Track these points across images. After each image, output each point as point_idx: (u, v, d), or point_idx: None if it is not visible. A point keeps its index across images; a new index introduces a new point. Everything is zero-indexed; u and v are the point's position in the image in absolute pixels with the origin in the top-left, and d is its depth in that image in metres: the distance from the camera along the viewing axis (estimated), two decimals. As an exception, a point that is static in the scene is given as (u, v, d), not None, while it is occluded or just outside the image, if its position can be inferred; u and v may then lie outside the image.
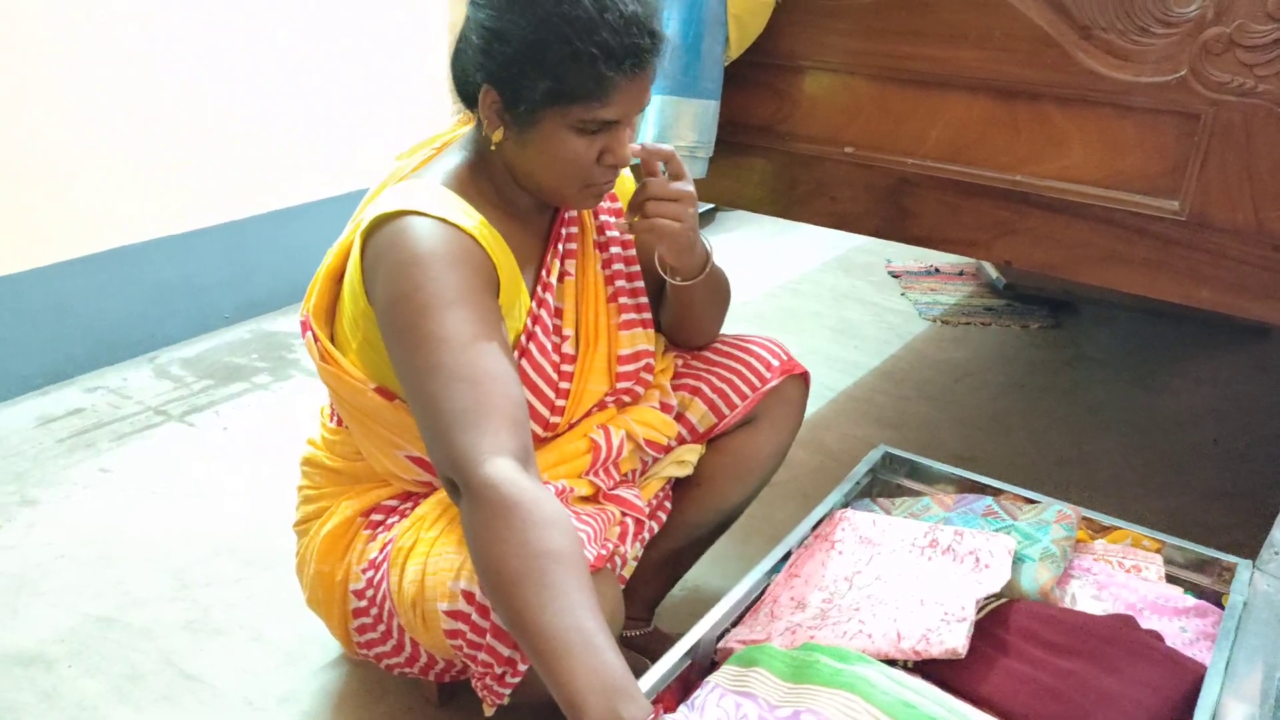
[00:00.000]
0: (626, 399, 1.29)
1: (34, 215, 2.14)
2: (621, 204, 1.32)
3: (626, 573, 1.31)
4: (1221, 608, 1.24)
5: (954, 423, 2.32)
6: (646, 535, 1.31)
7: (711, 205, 3.73)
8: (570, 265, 1.23)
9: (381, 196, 1.13)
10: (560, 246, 1.22)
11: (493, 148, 1.12)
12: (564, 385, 1.21)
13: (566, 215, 1.24)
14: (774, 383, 1.36)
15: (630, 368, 1.26)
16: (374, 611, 1.18)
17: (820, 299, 3.10)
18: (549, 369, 1.19)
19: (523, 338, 1.17)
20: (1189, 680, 1.09)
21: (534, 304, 1.18)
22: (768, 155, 1.68)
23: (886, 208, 1.59)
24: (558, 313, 1.22)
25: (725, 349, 1.39)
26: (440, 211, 1.07)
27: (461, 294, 1.03)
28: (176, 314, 2.48)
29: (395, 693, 1.40)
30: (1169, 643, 1.16)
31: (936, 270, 3.38)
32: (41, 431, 2.06)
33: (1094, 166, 1.39)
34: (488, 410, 0.96)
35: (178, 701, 1.38)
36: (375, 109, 2.74)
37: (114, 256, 2.30)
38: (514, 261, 1.13)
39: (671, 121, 1.56)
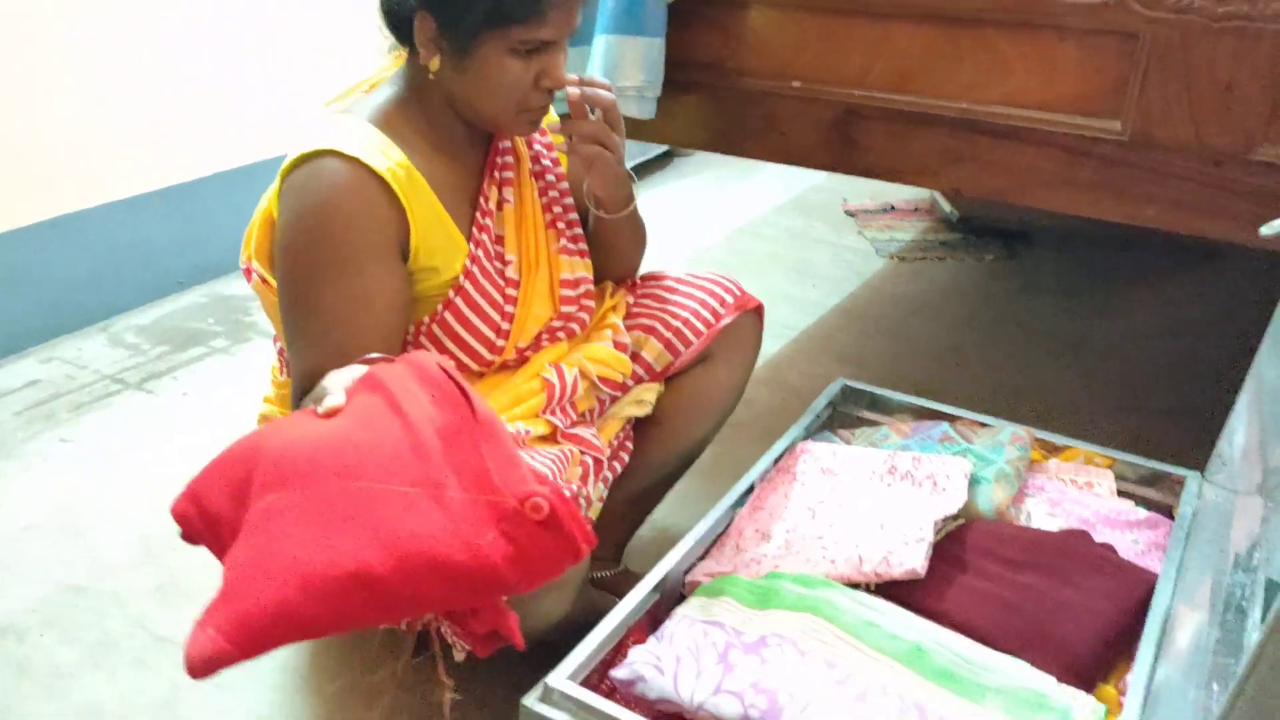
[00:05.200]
0: (575, 326, 1.29)
1: (-26, 186, 2.10)
2: (552, 137, 1.33)
3: (593, 514, 1.32)
4: (1172, 520, 1.28)
5: (912, 356, 2.35)
6: (609, 475, 1.32)
7: (666, 148, 3.71)
8: (508, 193, 1.24)
9: (306, 131, 1.13)
10: (497, 175, 1.23)
11: (430, 76, 1.13)
12: (509, 309, 1.21)
13: (501, 145, 1.25)
14: (728, 318, 1.37)
15: (572, 293, 1.27)
16: None
17: (778, 240, 3.11)
18: (494, 293, 1.20)
19: (466, 262, 1.17)
20: (1142, 589, 1.13)
21: (475, 230, 1.19)
22: (716, 93, 1.67)
23: (835, 140, 1.59)
24: (499, 240, 1.23)
25: (678, 286, 1.39)
26: (355, 150, 1.07)
27: (347, 261, 1.07)
28: (128, 281, 2.44)
29: (371, 643, 1.41)
30: (1122, 554, 1.19)
31: (892, 208, 3.40)
32: (-3, 406, 2.03)
33: (1036, 90, 1.40)
34: (327, 369, 1.05)
35: (152, 665, 1.39)
36: (323, 63, 2.70)
37: (60, 224, 2.26)
38: (435, 201, 1.13)
39: (617, 61, 1.55)
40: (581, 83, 1.17)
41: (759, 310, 1.43)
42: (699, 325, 1.36)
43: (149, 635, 1.44)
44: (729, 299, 1.38)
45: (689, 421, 1.39)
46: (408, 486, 0.80)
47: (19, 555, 1.60)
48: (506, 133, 1.20)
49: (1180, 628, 1.07)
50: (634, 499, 1.43)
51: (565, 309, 1.26)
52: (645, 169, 3.67)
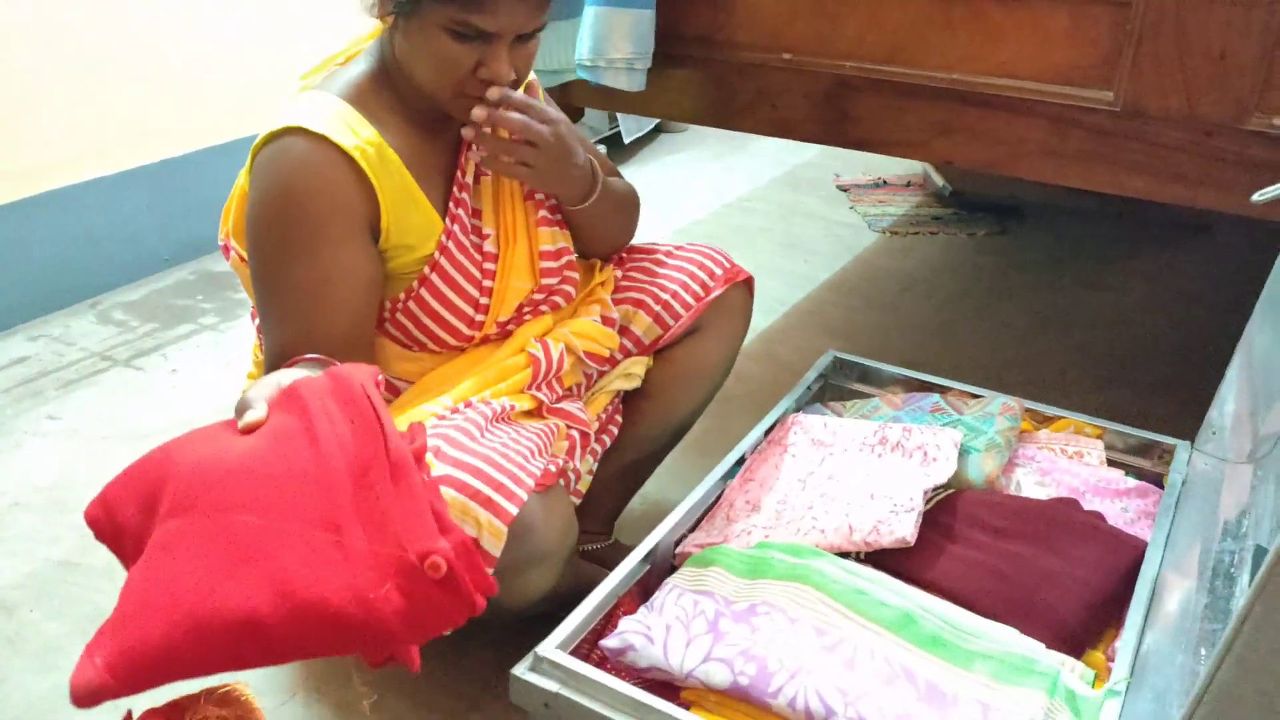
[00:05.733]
0: (558, 299, 1.28)
1: (-42, 162, 2.08)
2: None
3: (582, 487, 1.32)
4: (1161, 488, 1.28)
5: (903, 331, 2.35)
6: (597, 448, 1.32)
7: (656, 122, 3.69)
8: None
9: (277, 107, 1.12)
10: (475, 147, 1.20)
11: (381, 26, 1.11)
12: (487, 284, 1.20)
13: None
14: (718, 291, 1.36)
15: (553, 264, 1.25)
16: None
17: (770, 215, 3.10)
18: (472, 268, 1.19)
19: (442, 238, 1.16)
20: (1130, 556, 1.13)
21: (452, 205, 1.18)
22: (706, 65, 1.66)
23: (827, 113, 1.58)
24: (476, 213, 1.21)
25: (666, 260, 1.38)
26: (321, 127, 1.06)
27: (312, 242, 1.07)
28: (114, 258, 2.43)
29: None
30: (1111, 522, 1.20)
31: (884, 182, 3.39)
32: (-15, 383, 2.03)
33: (1029, 61, 1.40)
34: (292, 346, 1.08)
35: (143, 639, 1.38)
36: (308, 38, 2.67)
37: (47, 200, 2.24)
38: (407, 178, 1.12)
39: (606, 33, 1.53)
40: (500, 101, 1.10)
41: (749, 282, 1.42)
42: (688, 298, 1.35)
43: (140, 610, 1.43)
44: (718, 271, 1.37)
45: (679, 394, 1.39)
46: (310, 527, 0.79)
47: (8, 532, 1.59)
48: (449, 113, 1.14)
49: (1169, 595, 1.08)
50: (624, 472, 1.43)
51: (546, 281, 1.25)
52: (636, 144, 3.65)
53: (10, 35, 2.10)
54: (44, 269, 2.28)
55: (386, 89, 1.15)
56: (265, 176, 1.08)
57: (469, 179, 1.20)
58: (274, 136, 1.08)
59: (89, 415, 1.92)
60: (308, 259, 1.08)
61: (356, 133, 1.09)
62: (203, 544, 0.77)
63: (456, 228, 1.18)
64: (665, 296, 1.35)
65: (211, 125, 2.56)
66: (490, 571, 1.01)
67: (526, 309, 1.25)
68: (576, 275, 1.30)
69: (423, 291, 1.17)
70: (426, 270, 1.16)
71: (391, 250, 1.15)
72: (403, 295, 1.18)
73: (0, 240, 2.17)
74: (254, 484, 0.81)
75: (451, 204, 1.18)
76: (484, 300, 1.20)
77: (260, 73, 2.62)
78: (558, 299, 1.28)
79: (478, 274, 1.20)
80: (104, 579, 1.49)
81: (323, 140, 1.06)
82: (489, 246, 1.21)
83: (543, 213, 1.26)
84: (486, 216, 1.21)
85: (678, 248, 1.40)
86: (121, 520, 0.83)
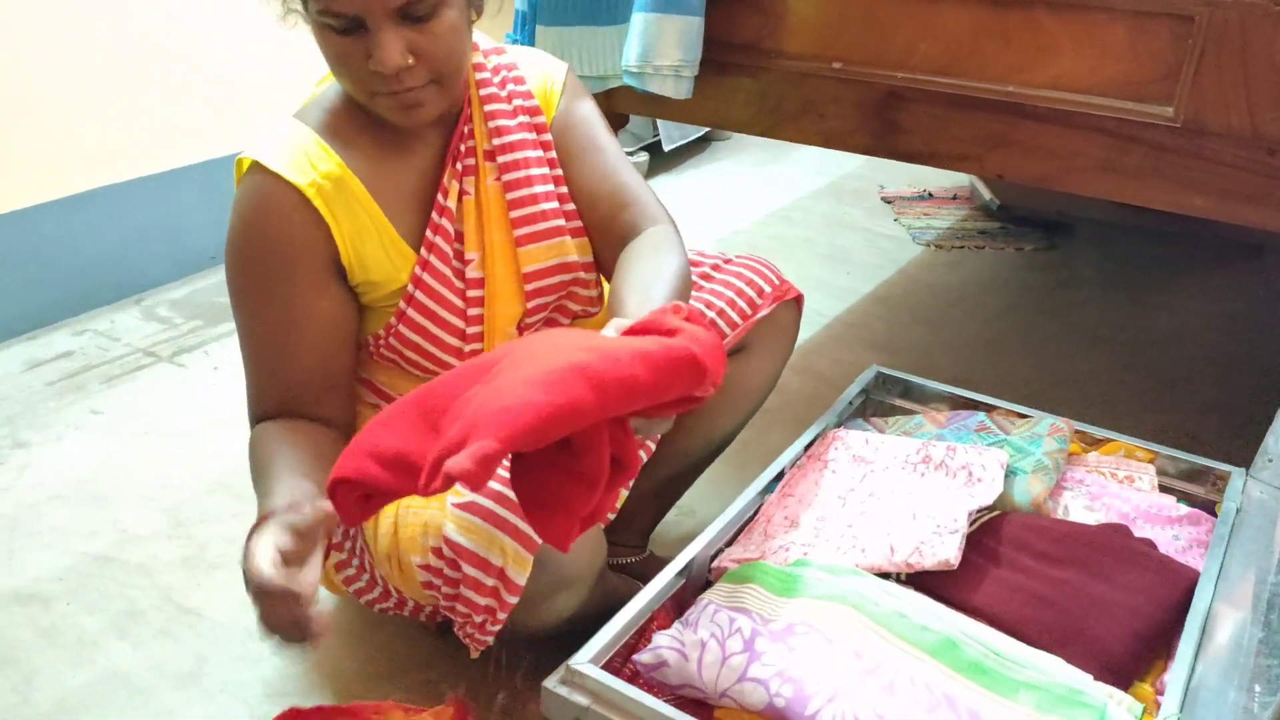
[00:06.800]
0: (560, 319, 1.23)
1: (9, 158, 2.11)
2: (538, 101, 1.20)
3: (618, 503, 1.30)
4: (1215, 516, 1.24)
5: (948, 346, 2.31)
6: (635, 464, 1.30)
7: (704, 131, 3.67)
8: (469, 183, 1.15)
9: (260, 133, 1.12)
10: (459, 165, 1.15)
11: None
12: (473, 312, 1.15)
13: (465, 129, 1.15)
14: (766, 309, 1.33)
15: (546, 282, 1.18)
16: (355, 562, 1.17)
17: (812, 226, 3.07)
18: (453, 298, 1.14)
19: (416, 269, 1.12)
20: (1181, 586, 1.10)
21: (429, 233, 1.13)
22: (754, 74, 1.64)
23: (876, 124, 1.56)
24: (459, 236, 1.15)
25: (714, 273, 1.35)
26: (278, 164, 1.05)
27: (269, 286, 1.07)
28: (160, 256, 2.45)
29: (393, 621, 1.40)
30: (1162, 550, 1.16)
31: (930, 195, 3.35)
32: (31, 375, 2.05)
33: (1086, 74, 1.36)
34: (265, 389, 1.11)
35: (177, 635, 1.39)
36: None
37: (92, 198, 2.27)
38: (374, 211, 1.09)
39: (655, 39, 1.52)
40: None
41: (798, 299, 1.38)
42: (735, 316, 1.31)
43: (175, 606, 1.44)
44: (768, 288, 1.34)
45: (720, 412, 1.35)
46: (575, 354, 0.81)
47: (45, 525, 1.61)
48: (386, 118, 1.07)
49: (1221, 627, 1.04)
50: (661, 487, 1.41)
51: (535, 302, 1.18)
52: (683, 151, 3.64)
53: (61, 33, 2.13)
54: (90, 265, 2.31)
55: (358, 108, 1.11)
56: (231, 217, 1.08)
57: (451, 201, 1.14)
58: (244, 172, 1.08)
59: (131, 410, 1.94)
60: (264, 304, 1.08)
61: (315, 166, 1.06)
62: (499, 379, 0.79)
63: (434, 257, 1.13)
64: (711, 314, 1.31)
65: (258, 125, 2.58)
66: (516, 600, 1.01)
67: (528, 334, 1.20)
68: (591, 291, 1.24)
69: (401, 328, 1.14)
70: (402, 305, 1.13)
71: (360, 286, 1.12)
72: (383, 331, 1.15)
73: (48, 236, 2.20)
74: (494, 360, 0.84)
75: (429, 231, 1.13)
76: (471, 330, 1.15)
77: (307, 73, 2.63)
78: (559, 318, 1.23)
79: (460, 304, 1.14)
80: (141, 575, 1.50)
81: (277, 179, 1.05)
82: (472, 273, 1.15)
83: (539, 226, 1.17)
84: (469, 240, 1.15)
85: (726, 260, 1.37)
86: (394, 450, 0.81)
